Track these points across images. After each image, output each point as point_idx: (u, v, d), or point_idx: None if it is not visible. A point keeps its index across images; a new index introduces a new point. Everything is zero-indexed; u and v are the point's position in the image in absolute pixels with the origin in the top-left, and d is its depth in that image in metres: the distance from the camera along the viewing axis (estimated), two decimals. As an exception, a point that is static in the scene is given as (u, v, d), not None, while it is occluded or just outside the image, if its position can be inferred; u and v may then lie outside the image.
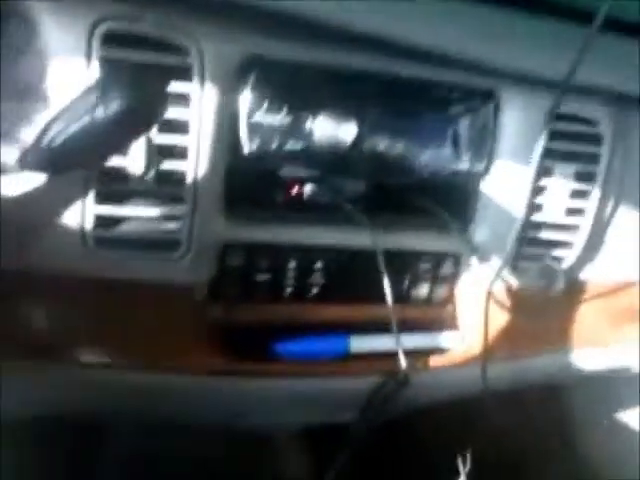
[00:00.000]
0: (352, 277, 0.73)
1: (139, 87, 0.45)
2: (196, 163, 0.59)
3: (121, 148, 0.50)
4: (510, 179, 0.70)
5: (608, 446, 1.38)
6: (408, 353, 0.72)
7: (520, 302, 0.77)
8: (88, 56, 0.54)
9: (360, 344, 0.73)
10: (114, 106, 0.43)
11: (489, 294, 0.71)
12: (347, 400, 0.73)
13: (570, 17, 0.62)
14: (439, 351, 0.77)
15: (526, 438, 1.40)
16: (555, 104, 0.62)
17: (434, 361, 0.76)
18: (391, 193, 0.73)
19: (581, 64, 0.59)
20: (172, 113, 0.58)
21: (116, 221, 0.60)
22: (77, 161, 0.47)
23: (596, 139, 0.72)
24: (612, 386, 1.23)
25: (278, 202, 0.70)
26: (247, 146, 0.62)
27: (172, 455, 1.12)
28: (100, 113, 0.43)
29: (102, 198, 0.58)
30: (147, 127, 0.49)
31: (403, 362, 0.69)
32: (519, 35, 0.63)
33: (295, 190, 0.70)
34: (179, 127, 0.58)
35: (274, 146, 0.63)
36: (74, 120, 0.45)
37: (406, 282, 0.76)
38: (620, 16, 0.63)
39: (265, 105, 0.61)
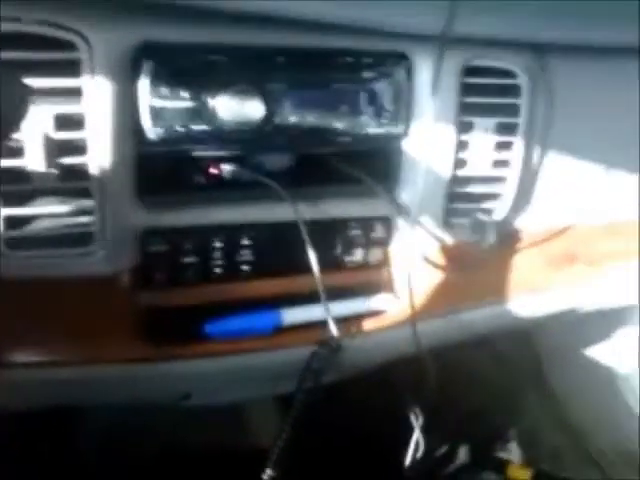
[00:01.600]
0: (281, 250, 0.73)
1: None
2: (99, 155, 0.59)
3: None
4: (432, 138, 0.70)
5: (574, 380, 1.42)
6: (342, 320, 0.72)
7: (454, 258, 0.77)
8: None
9: (292, 316, 0.74)
10: None
11: (413, 254, 0.71)
12: (284, 372, 0.73)
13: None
14: (374, 314, 0.78)
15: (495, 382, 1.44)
16: (439, 57, 0.61)
17: (368, 325, 0.77)
18: (315, 164, 0.73)
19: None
20: (66, 108, 0.57)
21: (25, 221, 0.60)
22: None
23: (514, 91, 0.71)
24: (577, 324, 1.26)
25: (198, 184, 0.70)
26: (151, 132, 0.61)
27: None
28: None
29: (7, 200, 0.58)
30: (9, 129, 0.48)
31: (334, 329, 0.70)
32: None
33: (214, 170, 0.69)
34: (75, 122, 0.58)
35: (179, 130, 0.62)
36: None
37: (338, 249, 0.76)
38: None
39: (164, 90, 0.60)
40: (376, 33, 0.64)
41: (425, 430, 0.88)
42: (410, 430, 0.88)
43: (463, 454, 1.40)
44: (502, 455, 1.44)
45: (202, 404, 0.85)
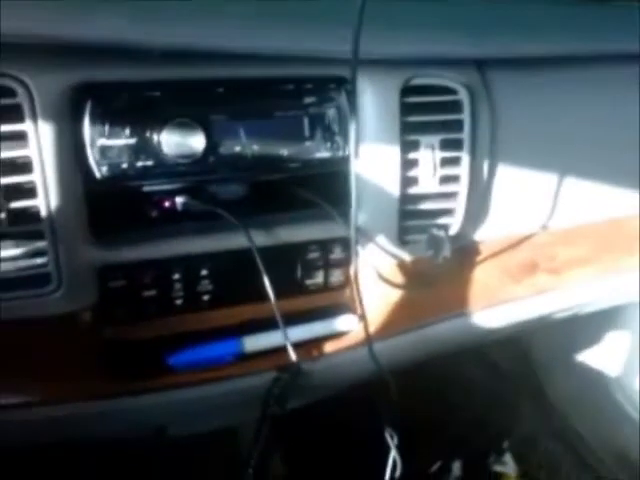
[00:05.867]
0: (241, 278, 0.74)
1: None
2: (48, 197, 0.60)
3: None
4: (380, 158, 0.71)
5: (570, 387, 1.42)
6: (304, 343, 0.73)
7: (411, 275, 0.78)
8: None
9: (254, 343, 0.74)
10: None
11: (356, 274, 0.72)
12: (250, 399, 0.74)
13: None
14: (335, 336, 0.78)
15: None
16: (352, 80, 0.62)
17: (329, 347, 0.78)
18: (269, 191, 0.74)
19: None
20: (12, 153, 0.59)
21: (-21, 265, 0.61)
22: None
23: (456, 107, 0.72)
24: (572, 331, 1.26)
25: (153, 218, 0.71)
26: (97, 171, 0.63)
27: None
28: None
29: None
30: None
31: (292, 354, 0.71)
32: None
33: (167, 204, 0.71)
34: (22, 166, 0.59)
35: (125, 166, 0.63)
36: None
37: (298, 273, 0.77)
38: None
39: (107, 128, 0.62)
40: (312, 59, 0.66)
41: (418, 445, 0.88)
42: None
43: (457, 469, 1.40)
44: (497, 468, 1.44)
45: (180, 435, 0.85)
